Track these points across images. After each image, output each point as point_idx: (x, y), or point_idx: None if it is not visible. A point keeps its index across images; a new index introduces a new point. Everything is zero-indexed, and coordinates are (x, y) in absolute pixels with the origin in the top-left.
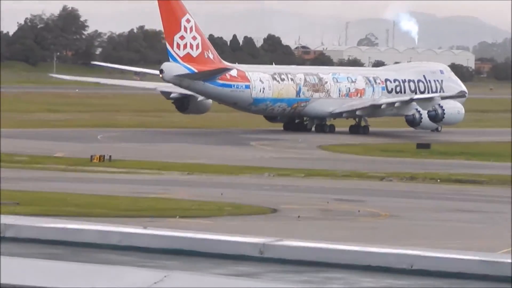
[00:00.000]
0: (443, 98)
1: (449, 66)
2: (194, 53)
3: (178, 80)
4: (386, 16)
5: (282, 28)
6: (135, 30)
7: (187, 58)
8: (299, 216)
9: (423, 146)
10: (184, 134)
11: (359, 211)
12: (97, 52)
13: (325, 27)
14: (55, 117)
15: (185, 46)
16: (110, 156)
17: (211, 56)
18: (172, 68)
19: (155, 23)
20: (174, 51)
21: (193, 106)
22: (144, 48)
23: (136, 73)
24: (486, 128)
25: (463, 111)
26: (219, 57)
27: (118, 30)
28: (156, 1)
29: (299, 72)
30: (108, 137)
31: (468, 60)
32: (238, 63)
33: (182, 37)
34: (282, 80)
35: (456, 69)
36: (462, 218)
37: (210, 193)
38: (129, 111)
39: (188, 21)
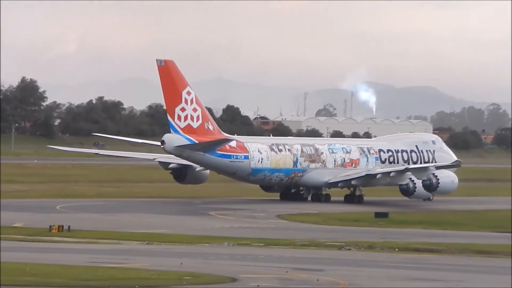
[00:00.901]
0: (438, 167)
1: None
2: (195, 124)
3: (179, 150)
4: (344, 86)
5: (241, 98)
6: (94, 101)
7: (188, 129)
8: (258, 286)
9: (381, 215)
10: (143, 203)
11: (318, 280)
12: (56, 123)
13: (283, 98)
14: (14, 188)
15: (185, 117)
16: (69, 226)
17: (211, 127)
18: (173, 139)
19: (114, 94)
20: (175, 123)
21: (191, 176)
22: (103, 118)
23: (95, 143)
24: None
25: (456, 180)
26: (218, 128)
27: (77, 101)
28: (158, 74)
29: (296, 143)
30: (67, 207)
31: (426, 130)
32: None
33: (183, 109)
34: (280, 151)
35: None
36: (421, 287)
37: (170, 262)
38: (88, 181)
39: (188, 93)
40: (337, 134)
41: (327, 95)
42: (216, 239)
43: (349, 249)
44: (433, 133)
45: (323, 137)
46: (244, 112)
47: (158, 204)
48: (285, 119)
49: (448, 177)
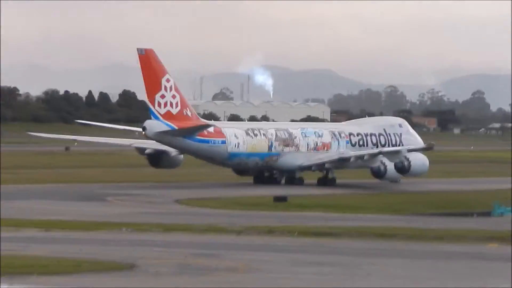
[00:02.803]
0: (410, 150)
1: (304, 118)
2: (174, 110)
3: (159, 136)
4: (240, 70)
5: (137, 83)
6: None
7: (168, 115)
8: (156, 271)
9: (280, 200)
10: (41, 191)
11: (217, 265)
12: None
13: (180, 82)
14: None
15: (165, 104)
16: None
17: (189, 113)
18: (154, 125)
19: (10, 80)
20: (156, 109)
21: (165, 161)
22: None
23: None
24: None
25: (427, 162)
26: (196, 114)
27: None
28: (138, 63)
29: (271, 128)
30: None
31: (324, 113)
32: (94, 120)
33: (162, 96)
34: (255, 135)
35: (313, 121)
36: (321, 271)
37: (68, 249)
38: None
39: (168, 80)
40: (234, 118)
41: (223, 79)
42: (114, 225)
43: (248, 234)
44: (331, 115)
45: (221, 120)
46: (140, 96)
47: (57, 191)
48: None
49: (419, 160)
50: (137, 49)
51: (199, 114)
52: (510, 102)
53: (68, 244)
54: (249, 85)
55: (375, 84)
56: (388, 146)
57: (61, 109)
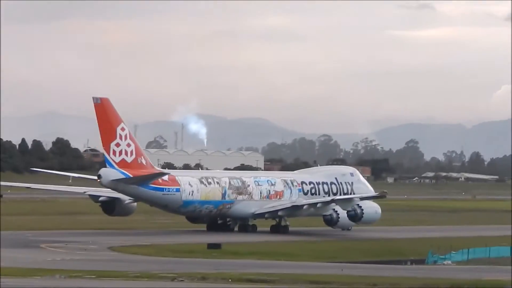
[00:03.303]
0: (363, 199)
1: (238, 167)
2: (129, 159)
3: (114, 184)
4: (174, 118)
5: (71, 131)
6: None
7: (123, 164)
8: None
9: (214, 246)
10: None
11: None
12: None
13: None
14: None
15: (120, 152)
16: None
17: (143, 161)
18: (109, 173)
19: None
20: (111, 157)
21: (119, 209)
22: None
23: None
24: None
25: (379, 210)
26: (150, 162)
27: None
28: (94, 112)
29: (224, 176)
30: None
31: (258, 161)
32: (28, 167)
33: (117, 144)
34: (209, 183)
35: (246, 169)
36: None
37: None
38: None
39: (123, 129)
40: (168, 166)
41: (157, 127)
42: (48, 272)
43: (182, 280)
44: (265, 164)
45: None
46: (74, 144)
47: None
48: None
49: (371, 208)
50: (93, 97)
51: None
52: (445, 151)
53: None
54: (183, 133)
55: (308, 133)
56: (340, 194)
57: None
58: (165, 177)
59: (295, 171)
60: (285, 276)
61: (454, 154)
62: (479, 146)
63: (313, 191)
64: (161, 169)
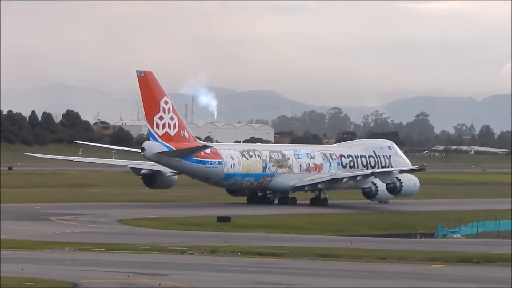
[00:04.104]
0: (402, 171)
1: (248, 139)
2: (172, 132)
3: (157, 157)
4: (184, 91)
5: (81, 103)
6: None
7: (166, 137)
8: None
9: (224, 220)
10: None
11: (160, 284)
12: None
13: (124, 103)
14: None
15: (163, 126)
16: None
17: (186, 135)
18: (152, 146)
19: None
20: (154, 131)
21: (160, 182)
22: None
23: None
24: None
25: (418, 183)
26: (193, 135)
27: None
28: (138, 86)
29: (265, 150)
30: None
31: (268, 134)
32: (38, 139)
33: (161, 118)
34: (250, 156)
35: (256, 142)
36: None
37: (10, 268)
38: None
39: (166, 102)
40: None
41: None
42: (57, 245)
43: (191, 253)
44: (275, 137)
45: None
46: (84, 117)
47: None
48: (125, 123)
49: (410, 180)
50: (136, 71)
51: (142, 135)
52: (455, 125)
53: (10, 263)
54: (193, 106)
55: (318, 106)
56: (378, 167)
57: (5, 129)
58: (208, 150)
59: (333, 144)
60: (294, 249)
61: (464, 127)
62: (489, 119)
63: (351, 164)
64: (204, 142)
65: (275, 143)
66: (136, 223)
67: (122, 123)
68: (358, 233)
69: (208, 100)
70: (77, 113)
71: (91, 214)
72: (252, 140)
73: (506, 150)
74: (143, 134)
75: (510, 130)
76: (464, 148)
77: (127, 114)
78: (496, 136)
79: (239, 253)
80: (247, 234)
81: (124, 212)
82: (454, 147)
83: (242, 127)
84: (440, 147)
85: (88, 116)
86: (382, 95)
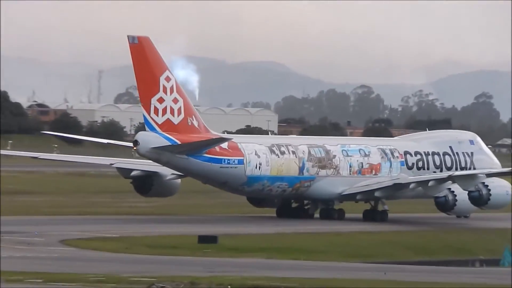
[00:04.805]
0: (490, 175)
1: (243, 129)
2: (176, 119)
3: (156, 153)
4: None
5: (10, 79)
6: None
7: (167, 126)
8: None
9: (208, 240)
10: None
11: None
12: None
13: (70, 78)
14: None
15: (164, 110)
16: None
17: (195, 123)
18: (149, 139)
19: None
20: (151, 117)
21: (158, 187)
22: None
23: None
24: None
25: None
26: (205, 124)
27: None
28: (130, 57)
29: (302, 144)
30: None
31: (270, 122)
32: None
33: (161, 100)
34: (282, 153)
35: (253, 133)
36: None
37: None
38: None
39: (168, 79)
40: (144, 127)
41: (130, 74)
42: None
43: (162, 286)
44: (279, 125)
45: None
46: (14, 97)
47: None
48: (71, 107)
49: (502, 187)
50: (128, 36)
51: (94, 122)
52: None
53: None
54: None
55: (339, 83)
56: (456, 169)
57: None
58: (225, 145)
59: (395, 137)
60: (305, 281)
61: None
62: None
63: (420, 164)
64: (220, 134)
65: (279, 134)
66: (86, 245)
67: (67, 106)
68: (392, 259)
69: (186, 75)
70: (4, 92)
71: (24, 232)
72: (248, 129)
73: None
74: (96, 121)
75: None
76: None
77: (75, 93)
78: None
79: (229, 286)
80: (240, 260)
81: (69, 230)
82: None
83: (234, 112)
84: (509, 141)
85: (21, 96)
86: (428, 69)
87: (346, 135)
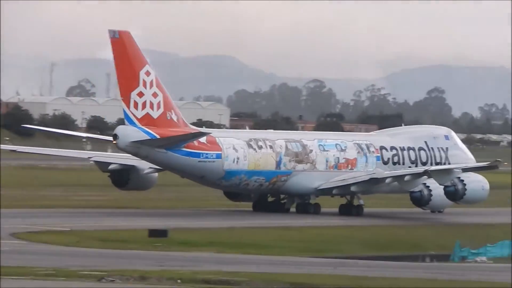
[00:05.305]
0: (466, 169)
1: (195, 123)
2: (155, 113)
3: (135, 147)
4: (105, 55)
5: None
6: None
7: (147, 120)
8: None
9: (158, 234)
10: None
11: None
12: None
13: (21, 71)
14: None
15: (144, 105)
16: None
17: (174, 117)
18: (128, 133)
19: None
20: (131, 112)
21: (135, 181)
22: None
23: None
24: None
25: (487, 186)
26: (183, 119)
27: None
28: (111, 52)
29: (279, 138)
30: None
31: (222, 116)
32: None
33: (140, 94)
34: (260, 148)
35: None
36: None
37: None
38: None
39: (148, 73)
40: (97, 121)
41: (82, 67)
42: None
43: (112, 280)
44: (231, 119)
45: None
46: None
47: None
48: (23, 100)
49: (477, 182)
50: (109, 31)
51: (46, 115)
52: (481, 105)
53: None
54: None
55: (292, 77)
56: (431, 163)
57: None
58: (203, 139)
59: (371, 132)
60: (255, 276)
61: (494, 109)
62: None
63: (395, 159)
64: (199, 128)
65: (231, 127)
66: (37, 238)
67: (18, 99)
68: (344, 254)
69: None
70: None
71: None
72: (200, 123)
73: None
74: (48, 114)
75: None
76: (494, 137)
77: (26, 86)
78: None
79: (179, 281)
80: (190, 254)
81: (20, 223)
82: (479, 136)
83: (185, 105)
84: (461, 136)
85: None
86: (381, 63)
87: (298, 129)
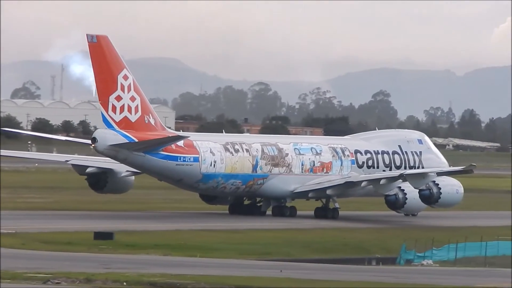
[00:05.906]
0: (441, 173)
1: None
2: (133, 117)
3: (113, 151)
4: (51, 57)
5: None
6: None
7: (125, 123)
8: None
9: (103, 236)
10: None
11: None
12: None
13: None
14: None
15: (122, 108)
16: None
17: (152, 121)
18: (106, 136)
19: None
20: (109, 115)
21: (112, 184)
22: None
23: None
24: None
25: (462, 189)
26: (161, 122)
27: None
28: (89, 55)
29: (255, 142)
30: None
31: (167, 118)
32: None
33: (118, 98)
34: (236, 151)
35: None
36: None
37: None
38: None
39: (125, 77)
40: (42, 124)
41: (27, 69)
42: None
43: (58, 283)
44: (176, 122)
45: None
46: None
47: None
48: None
49: (451, 186)
50: (87, 35)
51: None
52: (426, 108)
53: None
54: (63, 78)
55: (238, 80)
56: (405, 167)
57: None
58: (180, 143)
59: (346, 136)
60: (201, 279)
61: (439, 112)
62: (474, 102)
63: (370, 163)
64: (177, 132)
65: (176, 130)
66: None
67: None
68: (289, 257)
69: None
70: None
71: None
72: None
73: (498, 144)
74: None
75: (502, 116)
76: (439, 140)
77: None
78: (483, 125)
79: (125, 283)
80: (136, 257)
81: None
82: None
83: None
84: None
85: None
86: (326, 66)
87: (243, 132)
